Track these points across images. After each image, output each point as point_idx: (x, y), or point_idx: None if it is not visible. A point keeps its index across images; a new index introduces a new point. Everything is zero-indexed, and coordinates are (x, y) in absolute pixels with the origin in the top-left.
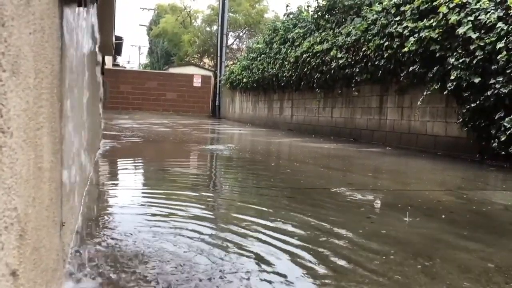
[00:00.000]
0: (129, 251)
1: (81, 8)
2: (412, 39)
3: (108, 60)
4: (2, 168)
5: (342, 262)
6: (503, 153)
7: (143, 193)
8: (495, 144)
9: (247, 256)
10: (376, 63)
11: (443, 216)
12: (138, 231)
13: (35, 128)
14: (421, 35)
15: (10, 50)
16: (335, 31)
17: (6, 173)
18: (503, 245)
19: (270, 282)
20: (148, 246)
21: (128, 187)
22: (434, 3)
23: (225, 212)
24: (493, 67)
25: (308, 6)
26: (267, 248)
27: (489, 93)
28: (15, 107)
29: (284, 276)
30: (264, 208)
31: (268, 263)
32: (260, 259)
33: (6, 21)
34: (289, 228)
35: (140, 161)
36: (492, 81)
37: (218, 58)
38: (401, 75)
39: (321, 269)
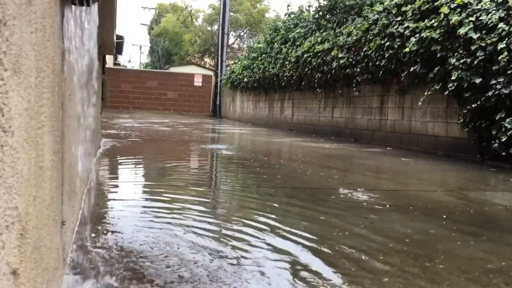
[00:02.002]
0: (132, 250)
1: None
2: (413, 39)
3: (109, 59)
4: (4, 167)
5: (339, 264)
6: (503, 153)
7: (144, 191)
8: (496, 144)
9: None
10: (377, 63)
11: (444, 216)
12: (149, 231)
13: (36, 127)
14: (422, 35)
15: (11, 49)
16: (336, 31)
17: (7, 172)
18: (504, 246)
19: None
20: (161, 243)
21: (129, 186)
22: (435, 4)
23: (227, 210)
24: (494, 67)
25: (309, 6)
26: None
27: (490, 93)
28: (16, 106)
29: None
30: (265, 207)
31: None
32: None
33: (7, 20)
34: (289, 227)
35: (140, 160)
36: (493, 81)
37: (219, 58)
38: (402, 75)
39: (317, 272)
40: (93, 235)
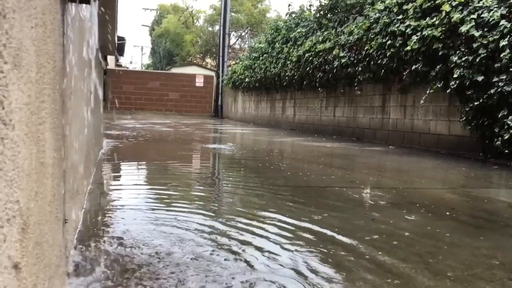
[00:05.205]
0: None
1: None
2: (414, 37)
3: (111, 60)
4: (4, 160)
5: (342, 261)
6: (506, 151)
7: (146, 191)
8: (499, 142)
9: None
10: (379, 62)
11: (447, 213)
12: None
13: (37, 122)
14: (423, 33)
15: (11, 42)
16: (338, 30)
17: (8, 165)
18: (507, 242)
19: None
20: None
21: (131, 185)
22: (437, 2)
23: (229, 209)
24: (496, 65)
25: (310, 5)
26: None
27: (492, 91)
28: (17, 100)
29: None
30: (267, 206)
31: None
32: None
33: (7, 13)
34: (292, 226)
35: (142, 160)
36: (495, 79)
37: (220, 58)
38: (404, 74)
39: (321, 270)
40: (95, 234)
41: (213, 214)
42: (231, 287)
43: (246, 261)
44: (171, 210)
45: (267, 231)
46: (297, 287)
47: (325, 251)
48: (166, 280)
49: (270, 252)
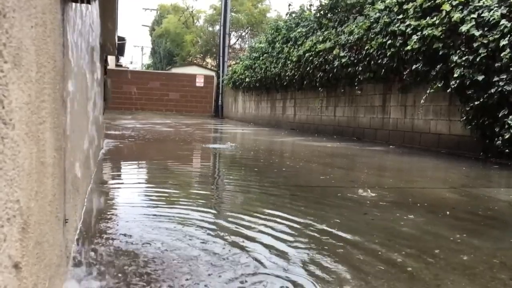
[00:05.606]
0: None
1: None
2: (415, 37)
3: (111, 60)
4: (4, 160)
5: (343, 259)
6: (507, 151)
7: (147, 191)
8: (499, 142)
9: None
10: (379, 61)
11: (448, 212)
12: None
13: (37, 122)
14: (424, 33)
15: (11, 41)
16: (338, 29)
17: (8, 164)
18: (508, 241)
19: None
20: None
21: (132, 185)
22: (437, 1)
23: (231, 207)
24: (496, 64)
25: (310, 5)
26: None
27: (492, 90)
28: (17, 99)
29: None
30: (268, 205)
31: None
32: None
33: (7, 12)
34: (291, 227)
35: (143, 160)
36: (495, 78)
37: (221, 58)
38: (404, 73)
39: (328, 267)
40: (96, 234)
41: (216, 212)
42: (243, 282)
43: (255, 258)
44: (174, 208)
45: (271, 228)
46: (307, 283)
47: (330, 248)
48: (177, 278)
49: (277, 249)
